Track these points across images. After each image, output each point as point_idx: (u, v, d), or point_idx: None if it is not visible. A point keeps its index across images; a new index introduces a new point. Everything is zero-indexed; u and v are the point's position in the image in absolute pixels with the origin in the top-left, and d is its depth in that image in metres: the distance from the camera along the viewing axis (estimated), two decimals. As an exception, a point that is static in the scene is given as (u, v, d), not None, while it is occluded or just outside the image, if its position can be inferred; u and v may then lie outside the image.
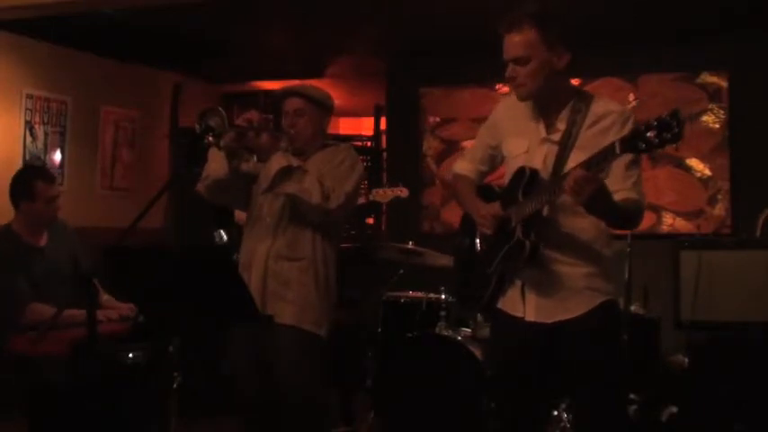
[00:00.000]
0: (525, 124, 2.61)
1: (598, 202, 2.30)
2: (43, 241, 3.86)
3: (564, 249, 2.52)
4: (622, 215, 2.47)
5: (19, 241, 3.77)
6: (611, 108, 2.51)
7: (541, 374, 2.59)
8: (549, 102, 2.55)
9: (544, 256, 2.51)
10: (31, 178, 3.81)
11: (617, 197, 2.42)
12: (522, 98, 2.56)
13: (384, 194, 4.98)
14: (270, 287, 3.14)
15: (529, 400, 2.62)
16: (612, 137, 2.38)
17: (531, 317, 2.56)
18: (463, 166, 2.88)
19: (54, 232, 3.89)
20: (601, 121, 2.48)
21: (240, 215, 5.02)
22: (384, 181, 6.87)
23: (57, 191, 3.87)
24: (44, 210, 3.79)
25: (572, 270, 2.52)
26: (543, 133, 2.56)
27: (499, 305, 2.65)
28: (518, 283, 2.59)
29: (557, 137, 2.53)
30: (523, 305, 2.58)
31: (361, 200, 4.94)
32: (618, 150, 2.18)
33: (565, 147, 2.49)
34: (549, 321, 2.54)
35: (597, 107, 2.51)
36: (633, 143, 2.13)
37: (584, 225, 2.50)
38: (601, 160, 2.24)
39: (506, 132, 2.69)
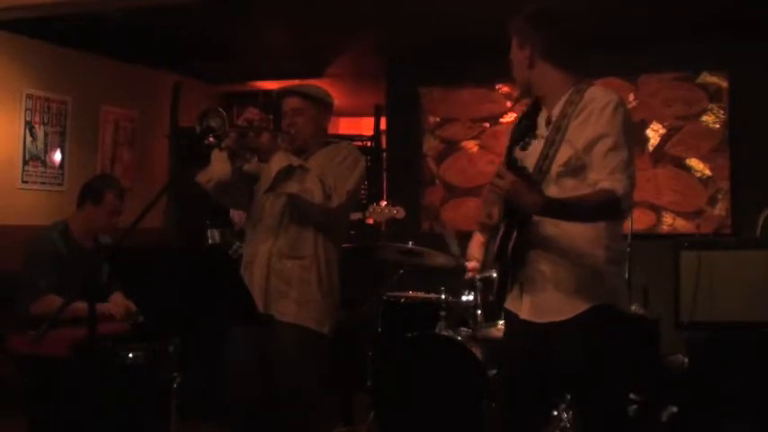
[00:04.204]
0: (540, 123, 2.61)
1: (516, 198, 2.30)
2: (92, 246, 3.95)
3: (553, 250, 2.48)
4: (571, 209, 2.40)
5: (71, 240, 3.89)
6: (593, 97, 2.46)
7: (542, 374, 2.57)
8: (546, 96, 2.57)
9: (529, 256, 2.49)
10: (104, 186, 3.97)
11: (597, 188, 2.39)
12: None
13: (381, 213, 4.94)
14: (273, 285, 3.14)
15: (530, 399, 2.61)
16: (592, 127, 2.39)
17: (524, 315, 2.55)
18: None
19: (103, 243, 3.99)
20: (584, 111, 2.44)
21: (236, 214, 5.00)
22: (384, 186, 6.86)
23: (121, 208, 4.00)
24: (103, 219, 3.93)
25: (561, 271, 2.48)
26: (544, 130, 2.56)
27: (506, 303, 2.65)
28: (519, 281, 2.59)
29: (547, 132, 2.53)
30: (521, 303, 2.58)
31: (357, 216, 4.92)
32: None
33: (552, 141, 2.46)
34: (541, 321, 2.51)
35: (587, 96, 2.47)
36: None
37: (574, 226, 2.44)
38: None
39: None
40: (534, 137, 2.55)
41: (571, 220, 2.44)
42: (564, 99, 2.50)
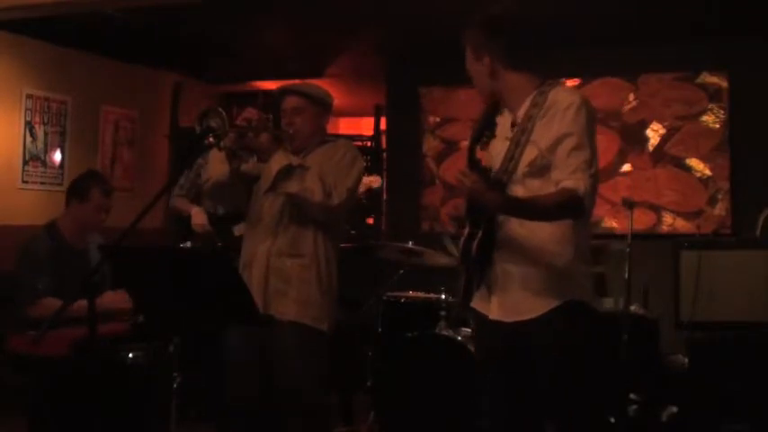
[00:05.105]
0: (505, 125, 2.62)
1: (477, 197, 2.32)
2: (82, 245, 3.93)
3: (519, 249, 2.48)
4: (532, 208, 2.41)
5: (61, 239, 3.87)
6: (557, 98, 2.46)
7: (517, 372, 2.54)
8: (510, 100, 2.57)
9: (496, 255, 2.49)
10: (89, 183, 3.93)
11: (559, 187, 2.40)
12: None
13: None
14: (271, 284, 3.14)
15: (514, 399, 2.58)
16: (555, 127, 2.40)
17: (493, 315, 2.54)
18: None
19: (94, 241, 3.97)
20: (548, 112, 2.45)
21: (198, 225, 4.85)
22: (384, 186, 6.85)
23: (109, 204, 3.96)
24: (91, 216, 3.90)
25: (528, 270, 2.47)
26: (509, 132, 2.56)
27: (473, 303, 2.63)
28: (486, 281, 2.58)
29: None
30: (489, 304, 2.56)
31: None
32: None
33: (517, 143, 2.47)
34: (510, 321, 2.50)
35: (551, 98, 2.47)
36: None
37: (540, 225, 2.44)
38: None
39: (497, 136, 2.70)
40: (493, 136, 2.55)
41: (533, 218, 2.45)
42: (528, 101, 2.51)
